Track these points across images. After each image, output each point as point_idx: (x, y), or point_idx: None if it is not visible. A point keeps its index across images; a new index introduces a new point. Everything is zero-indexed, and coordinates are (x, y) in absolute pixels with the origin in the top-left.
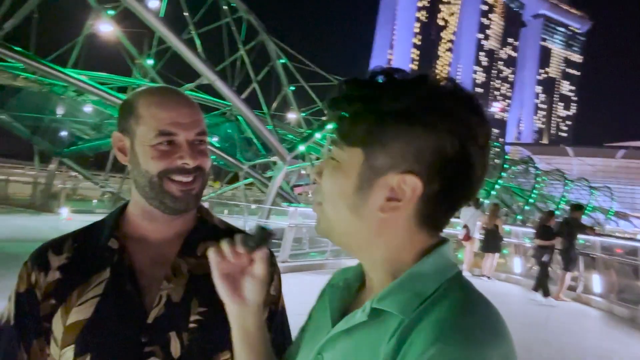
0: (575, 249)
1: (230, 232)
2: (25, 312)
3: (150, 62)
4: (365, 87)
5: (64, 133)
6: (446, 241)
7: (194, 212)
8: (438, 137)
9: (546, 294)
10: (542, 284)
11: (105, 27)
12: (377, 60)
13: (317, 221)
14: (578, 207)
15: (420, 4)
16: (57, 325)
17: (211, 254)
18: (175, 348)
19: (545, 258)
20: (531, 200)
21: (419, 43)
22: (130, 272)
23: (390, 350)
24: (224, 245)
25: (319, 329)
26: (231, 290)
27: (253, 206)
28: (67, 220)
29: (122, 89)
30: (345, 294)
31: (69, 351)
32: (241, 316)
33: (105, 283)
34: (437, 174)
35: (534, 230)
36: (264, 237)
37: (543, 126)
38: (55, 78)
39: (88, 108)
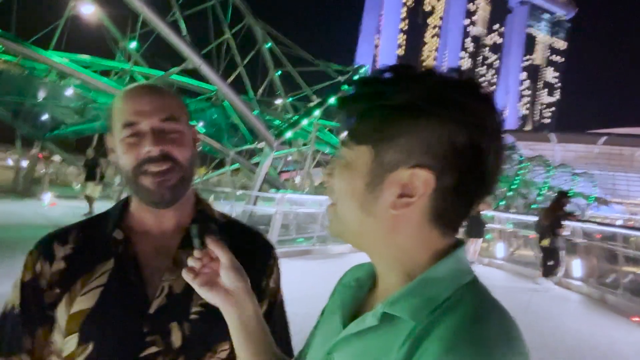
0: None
1: (229, 224)
2: (30, 301)
3: (133, 45)
4: (372, 84)
5: (46, 117)
6: (462, 244)
7: (191, 203)
8: (446, 128)
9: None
10: (553, 267)
11: (88, 9)
12: (364, 45)
13: (330, 222)
14: (564, 194)
15: None
16: (62, 314)
17: (185, 275)
18: (177, 338)
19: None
20: (514, 186)
21: (406, 28)
22: (134, 262)
23: (401, 358)
24: (190, 261)
25: (331, 329)
26: (216, 291)
27: (239, 192)
28: (50, 205)
29: (105, 73)
30: (358, 293)
31: (73, 339)
32: (236, 310)
33: (109, 273)
34: (449, 166)
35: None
36: (196, 233)
37: (527, 112)
38: (37, 61)
39: (70, 92)
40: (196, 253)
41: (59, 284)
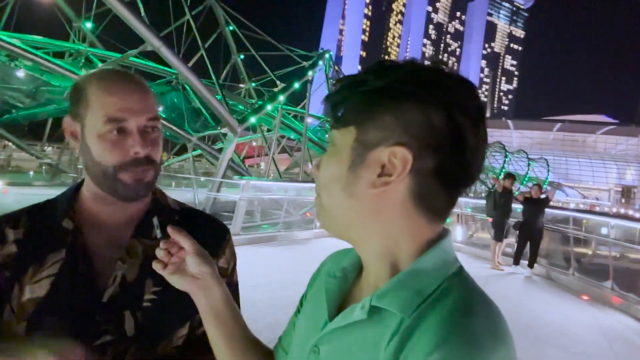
0: (506, 217)
1: (184, 212)
2: None
3: (89, 25)
4: (355, 76)
5: None
6: (448, 233)
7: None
8: (424, 108)
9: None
10: (534, 255)
11: None
12: (328, 31)
13: (318, 215)
14: (509, 176)
15: None
16: (13, 301)
17: (155, 266)
18: (130, 326)
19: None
20: None
21: (370, 14)
22: (84, 253)
23: (391, 353)
24: (157, 252)
25: (315, 320)
26: (184, 277)
27: (202, 179)
28: (2, 192)
29: (59, 54)
30: (343, 283)
31: (21, 327)
32: (204, 294)
33: (60, 263)
34: (427, 147)
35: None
36: (157, 224)
37: (487, 99)
38: None
39: (21, 74)
40: (162, 244)
41: (10, 267)
